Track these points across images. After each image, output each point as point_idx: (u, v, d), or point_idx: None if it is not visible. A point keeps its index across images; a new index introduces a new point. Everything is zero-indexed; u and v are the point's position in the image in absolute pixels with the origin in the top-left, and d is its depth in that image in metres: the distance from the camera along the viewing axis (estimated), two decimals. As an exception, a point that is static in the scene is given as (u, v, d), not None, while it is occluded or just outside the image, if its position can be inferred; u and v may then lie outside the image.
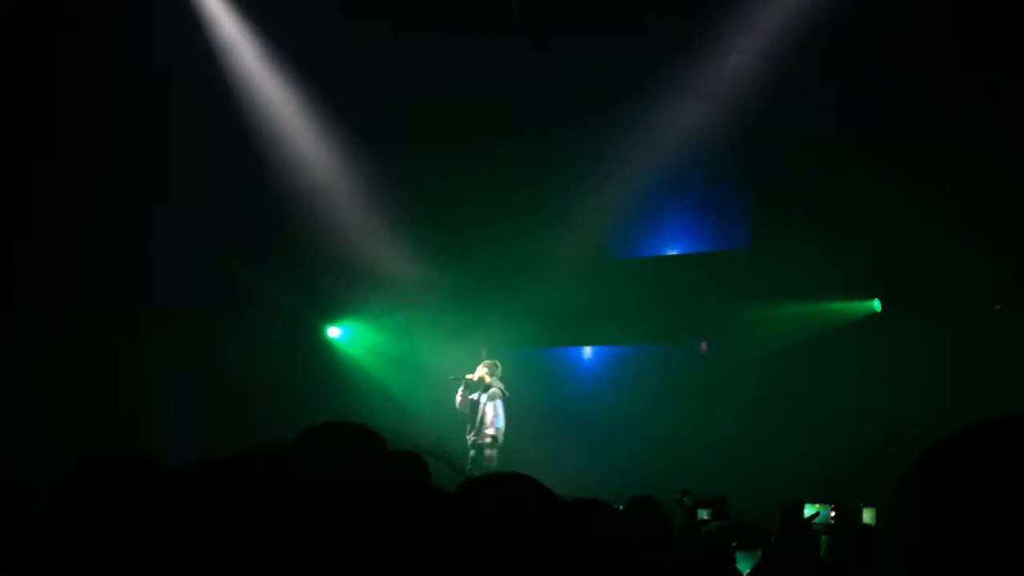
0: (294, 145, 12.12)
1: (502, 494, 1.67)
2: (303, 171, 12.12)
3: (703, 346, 12.01)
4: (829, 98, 10.78)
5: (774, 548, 4.07)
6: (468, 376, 10.72)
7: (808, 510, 5.35)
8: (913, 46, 10.16)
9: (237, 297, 11.57)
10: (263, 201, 11.71)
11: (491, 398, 10.51)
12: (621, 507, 4.33)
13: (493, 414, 10.43)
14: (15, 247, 11.05)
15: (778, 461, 10.48)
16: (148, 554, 1.18)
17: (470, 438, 10.55)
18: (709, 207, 11.89)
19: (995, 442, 1.20)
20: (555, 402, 12.30)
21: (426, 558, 1.32)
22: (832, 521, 5.41)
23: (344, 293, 12.19)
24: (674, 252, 12.30)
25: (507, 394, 10.62)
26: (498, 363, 10.76)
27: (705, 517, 5.04)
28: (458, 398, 10.76)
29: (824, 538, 5.42)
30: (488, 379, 10.62)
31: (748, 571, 3.81)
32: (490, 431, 10.39)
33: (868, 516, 6.47)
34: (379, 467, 2.47)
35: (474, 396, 10.70)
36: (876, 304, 11.23)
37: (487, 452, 10.31)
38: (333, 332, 12.84)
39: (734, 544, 4.01)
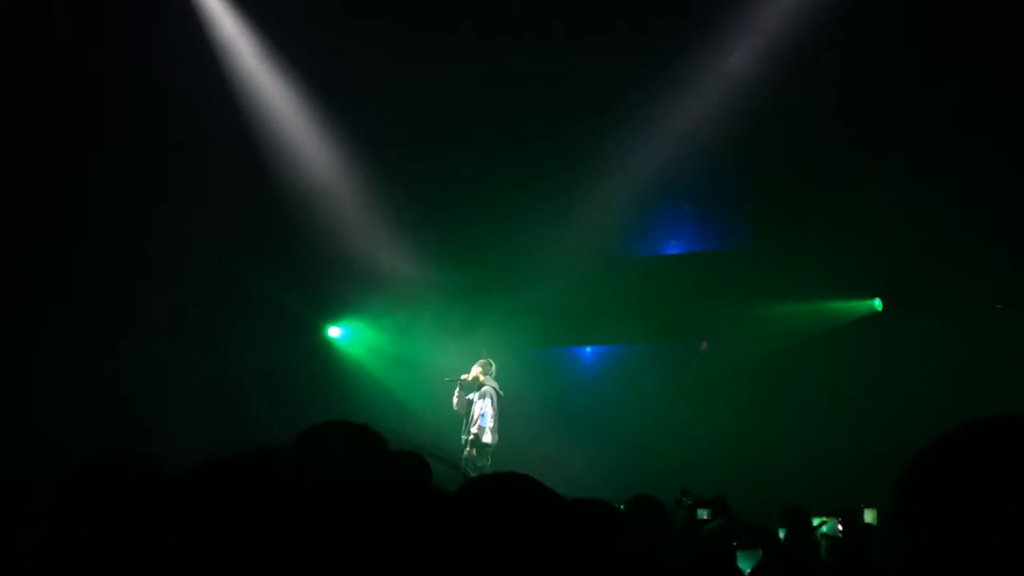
0: (294, 145, 12.11)
1: (503, 494, 1.67)
2: (303, 171, 12.11)
3: (703, 345, 12.00)
4: (829, 97, 10.78)
5: (779, 552, 4.07)
6: (463, 376, 10.73)
7: (815, 519, 5.34)
8: (913, 45, 10.16)
9: (237, 297, 11.56)
10: (263, 201, 11.70)
11: (481, 396, 10.52)
12: (622, 506, 4.34)
13: (479, 412, 10.43)
14: (15, 246, 11.04)
15: (779, 460, 10.48)
16: (148, 555, 1.18)
17: (464, 437, 10.57)
18: (710, 206, 11.88)
19: (993, 440, 1.20)
20: (555, 401, 12.30)
21: (427, 558, 1.32)
22: (840, 534, 5.38)
23: (345, 293, 12.19)
24: (675, 251, 12.30)
25: (501, 393, 10.61)
26: (492, 362, 10.75)
27: (705, 517, 5.04)
28: (455, 399, 10.78)
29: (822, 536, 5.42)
30: (482, 378, 10.63)
31: (749, 570, 3.81)
32: (473, 429, 10.39)
33: (869, 516, 6.47)
34: (380, 467, 2.47)
35: (471, 396, 10.71)
36: (877, 303, 11.23)
37: (466, 451, 10.32)
38: (334, 332, 12.83)
39: (735, 543, 4.01)
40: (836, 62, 10.65)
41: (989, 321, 10.51)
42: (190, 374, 11.37)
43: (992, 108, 10.07)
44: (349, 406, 10.77)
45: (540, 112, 11.93)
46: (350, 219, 12.15)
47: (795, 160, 11.08)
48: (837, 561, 4.94)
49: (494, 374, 10.71)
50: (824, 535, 5.45)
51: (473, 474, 9.94)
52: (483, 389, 10.51)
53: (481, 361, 10.75)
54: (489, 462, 10.45)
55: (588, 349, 12.66)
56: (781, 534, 5.00)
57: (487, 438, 10.42)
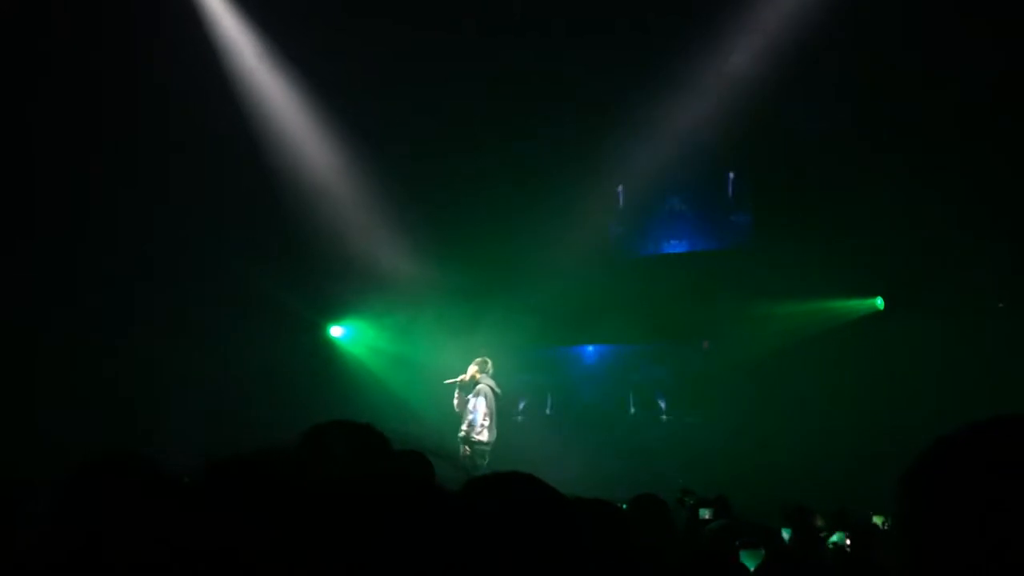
0: (295, 144, 12.10)
1: (506, 493, 1.66)
2: (304, 170, 12.11)
3: (705, 344, 12.00)
4: (830, 96, 10.77)
5: (782, 551, 4.06)
6: (461, 377, 10.75)
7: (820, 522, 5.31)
8: (913, 43, 10.16)
9: (238, 296, 11.54)
10: (264, 200, 11.69)
11: (475, 395, 10.55)
12: (624, 506, 4.33)
13: (471, 410, 10.46)
14: (15, 247, 11.03)
15: (779, 460, 10.48)
16: (147, 555, 1.17)
17: (460, 436, 10.62)
18: (711, 205, 11.87)
19: (994, 440, 1.20)
20: (557, 400, 12.30)
21: (429, 558, 1.31)
22: (848, 548, 5.35)
23: (346, 292, 12.18)
24: (676, 251, 12.29)
25: (498, 391, 10.61)
26: (488, 360, 10.75)
27: (707, 516, 5.03)
28: (455, 400, 10.80)
29: (826, 536, 5.41)
30: (478, 376, 10.64)
31: (752, 570, 3.80)
32: (463, 426, 10.41)
33: (876, 521, 6.46)
34: (383, 467, 2.46)
35: (469, 396, 10.75)
36: (879, 302, 11.22)
37: (462, 449, 10.34)
38: (336, 331, 12.83)
39: (737, 543, 4.00)
40: (836, 62, 10.65)
41: (991, 320, 10.50)
42: (191, 374, 11.37)
43: (992, 108, 10.06)
44: (351, 406, 10.77)
45: (541, 112, 11.93)
46: (351, 218, 12.14)
47: (796, 160, 11.08)
48: (843, 567, 4.93)
49: (491, 372, 10.71)
50: (833, 544, 5.43)
51: (471, 473, 9.95)
52: (477, 387, 10.52)
53: (477, 360, 10.76)
54: (487, 460, 10.44)
55: (589, 348, 12.65)
56: (784, 534, 4.99)
57: (482, 436, 10.41)
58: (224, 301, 11.57)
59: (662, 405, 11.88)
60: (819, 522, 5.44)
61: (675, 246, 12.31)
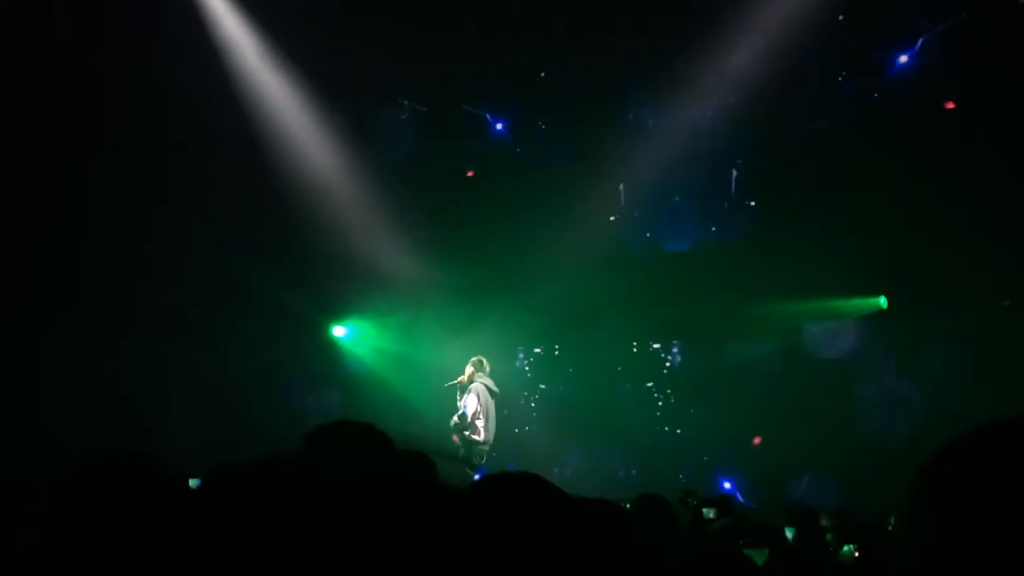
0: (297, 144, 12.09)
1: (511, 493, 1.65)
2: (306, 170, 12.10)
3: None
4: (832, 96, 10.77)
5: (787, 551, 4.04)
6: (460, 378, 10.77)
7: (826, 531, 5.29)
8: (914, 42, 10.15)
9: (240, 297, 11.54)
10: (266, 200, 11.68)
11: (468, 393, 10.59)
12: (628, 505, 4.32)
13: (462, 407, 10.51)
14: (15, 247, 11.02)
15: (783, 459, 10.48)
16: (148, 555, 1.16)
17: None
18: (713, 205, 11.85)
19: (1002, 443, 1.20)
20: (559, 400, 12.29)
21: (433, 558, 1.30)
22: (855, 559, 5.32)
23: (348, 292, 12.18)
24: (678, 249, 12.26)
25: (496, 389, 10.62)
26: (483, 359, 10.75)
27: (711, 516, 5.02)
28: (459, 402, 10.83)
29: (829, 537, 5.40)
30: (474, 376, 10.67)
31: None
32: (454, 417, 10.44)
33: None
34: (388, 468, 2.45)
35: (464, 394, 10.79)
36: (882, 301, 11.21)
37: (453, 438, 10.41)
38: (338, 331, 12.81)
39: (742, 542, 3.98)
40: (839, 60, 10.65)
41: (994, 319, 10.50)
42: (192, 374, 11.35)
43: (994, 107, 10.06)
44: (353, 406, 10.77)
45: (543, 111, 11.93)
46: (353, 218, 12.14)
47: (798, 159, 11.06)
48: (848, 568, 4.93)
49: (488, 371, 10.72)
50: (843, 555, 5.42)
51: (469, 471, 9.97)
52: (471, 386, 10.56)
53: (472, 360, 10.78)
54: (484, 460, 10.45)
55: (591, 348, 12.63)
56: (788, 533, 4.97)
57: (478, 435, 10.42)
58: (225, 301, 11.56)
59: (665, 405, 11.87)
60: (823, 522, 5.43)
61: (677, 245, 12.29)
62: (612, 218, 12.10)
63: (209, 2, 11.46)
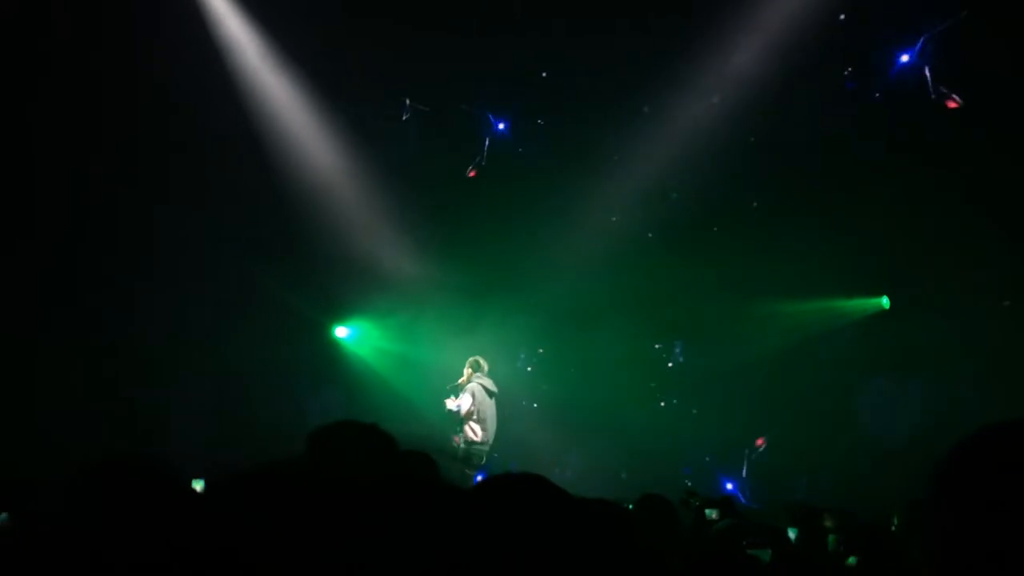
0: (299, 144, 12.09)
1: (515, 495, 1.65)
2: (308, 170, 12.09)
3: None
4: (835, 95, 10.76)
5: (789, 552, 4.04)
6: (460, 380, 10.80)
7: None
8: (915, 42, 10.15)
9: (241, 297, 11.53)
10: (268, 200, 11.68)
11: (463, 392, 10.64)
12: (630, 506, 4.31)
13: (454, 406, 10.51)
14: (16, 247, 11.02)
15: (784, 459, 10.47)
16: (154, 555, 1.16)
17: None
18: (714, 204, 11.84)
19: (1014, 442, 1.21)
20: (560, 400, 12.28)
21: (440, 559, 1.30)
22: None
23: (350, 292, 12.17)
24: (679, 249, 12.22)
25: (494, 389, 10.66)
26: (479, 360, 10.78)
27: (714, 517, 5.01)
28: (450, 402, 10.87)
29: (832, 537, 5.39)
30: (472, 377, 10.70)
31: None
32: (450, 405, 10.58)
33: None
34: (391, 468, 2.44)
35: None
36: (885, 301, 11.21)
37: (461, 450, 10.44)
38: (340, 332, 12.80)
39: (745, 543, 3.98)
40: (841, 59, 10.65)
41: (996, 318, 10.49)
42: (194, 375, 11.34)
43: (995, 106, 10.05)
44: (355, 406, 10.77)
45: (542, 111, 11.93)
46: (355, 218, 12.14)
47: (800, 159, 11.06)
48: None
49: (486, 371, 10.73)
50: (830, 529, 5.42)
51: (468, 472, 9.98)
52: (467, 386, 10.59)
53: (469, 360, 10.81)
54: (483, 460, 10.46)
55: (592, 348, 12.62)
56: (791, 534, 4.97)
57: (476, 436, 10.44)
58: (226, 301, 11.55)
59: (667, 405, 11.86)
60: (827, 522, 5.42)
61: (678, 245, 12.26)
62: (613, 218, 12.09)
63: (211, 2, 11.46)
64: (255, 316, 11.62)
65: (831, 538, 5.22)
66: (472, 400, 10.51)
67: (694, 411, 11.49)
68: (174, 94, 10.90)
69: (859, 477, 9.57)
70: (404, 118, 11.82)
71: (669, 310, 11.77)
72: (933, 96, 10.20)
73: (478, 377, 10.66)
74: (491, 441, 10.62)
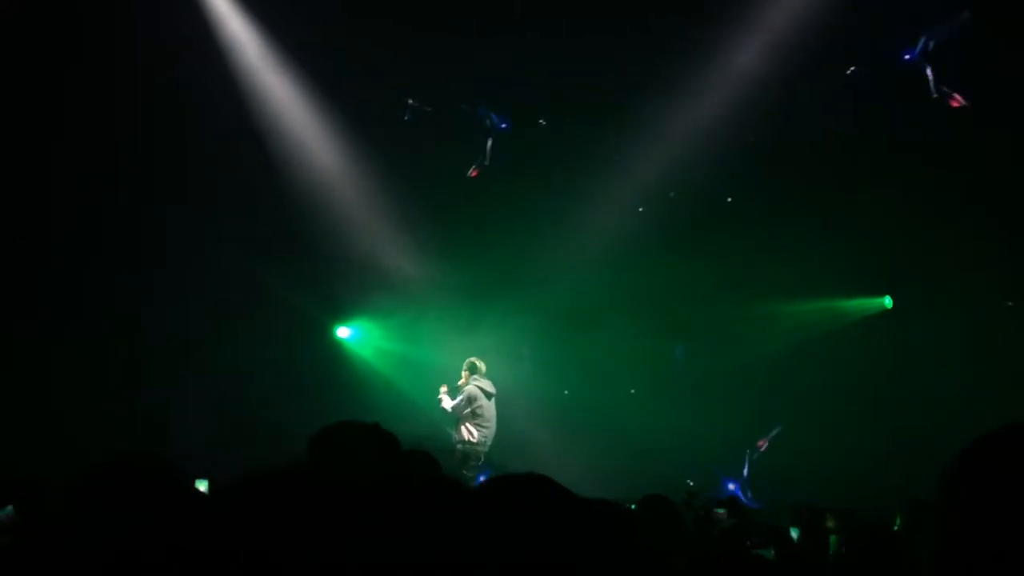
0: (300, 143, 12.08)
1: (519, 493, 1.65)
2: (310, 169, 12.09)
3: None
4: (836, 95, 10.76)
5: (792, 552, 4.04)
6: (460, 383, 10.83)
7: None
8: (919, 41, 10.16)
9: (245, 297, 11.54)
10: (270, 200, 11.68)
11: (460, 394, 10.68)
12: (633, 507, 4.31)
13: (449, 407, 10.62)
14: (19, 247, 11.03)
15: (785, 460, 10.46)
16: (164, 555, 1.16)
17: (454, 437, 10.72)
18: (716, 204, 11.83)
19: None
20: (563, 400, 12.28)
21: (444, 558, 1.29)
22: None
23: (353, 293, 12.17)
24: (681, 249, 12.22)
25: (491, 391, 10.67)
26: (476, 361, 10.79)
27: (721, 514, 5.00)
28: (444, 402, 10.91)
29: (833, 538, 5.39)
30: (469, 379, 10.73)
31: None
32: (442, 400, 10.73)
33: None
34: (395, 467, 2.45)
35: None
36: (887, 301, 11.20)
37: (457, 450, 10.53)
38: (343, 332, 12.80)
39: (748, 543, 3.97)
40: (844, 59, 10.64)
41: (999, 319, 10.49)
42: (196, 375, 11.33)
43: (998, 106, 10.05)
44: (358, 406, 10.75)
45: (543, 111, 11.93)
46: (356, 218, 12.13)
47: (802, 159, 11.05)
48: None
49: (483, 372, 10.74)
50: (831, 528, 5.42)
51: (466, 473, 9.99)
52: (465, 388, 10.62)
53: (466, 362, 10.82)
54: (481, 461, 10.48)
55: (594, 348, 12.61)
56: (793, 533, 4.96)
57: (467, 436, 10.46)
58: (228, 301, 11.56)
59: (669, 406, 11.84)
60: (829, 523, 5.41)
61: (680, 245, 12.25)
62: (614, 220, 12.09)
63: (212, 2, 11.46)
64: (257, 316, 11.62)
65: (833, 539, 5.22)
66: (469, 403, 10.55)
67: (695, 411, 11.45)
68: (175, 94, 10.91)
69: (859, 477, 9.56)
70: (406, 118, 11.81)
71: (670, 310, 11.75)
72: (935, 95, 10.19)
73: (476, 379, 10.67)
74: (489, 442, 10.63)
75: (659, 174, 11.77)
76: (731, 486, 11.10)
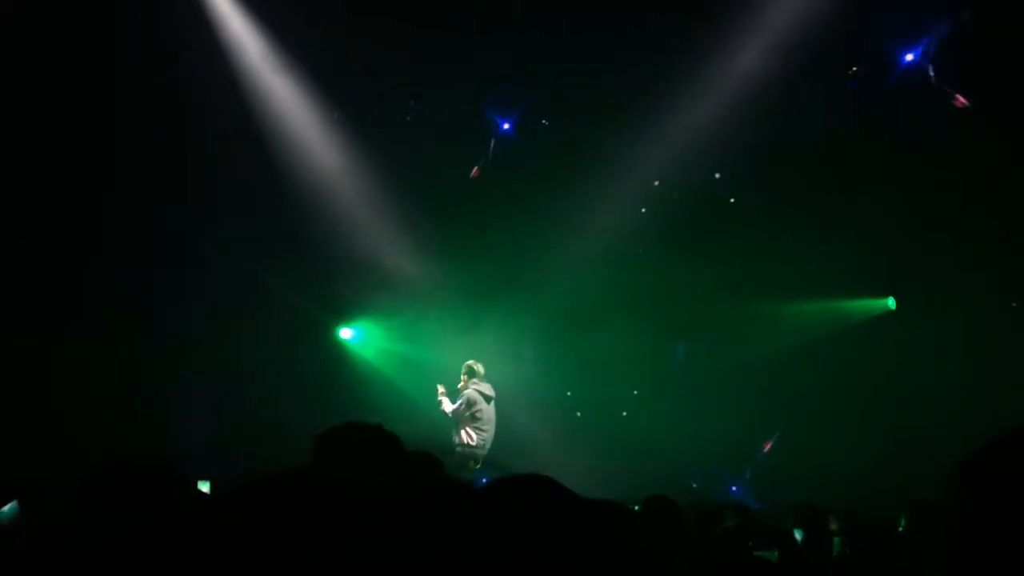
0: (302, 144, 12.08)
1: (524, 494, 1.65)
2: (311, 170, 12.09)
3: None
4: (836, 95, 10.76)
5: (795, 552, 4.03)
6: (459, 386, 10.83)
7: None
8: (920, 41, 10.15)
9: (247, 298, 11.53)
10: (272, 200, 11.67)
11: (459, 398, 10.69)
12: (636, 507, 4.31)
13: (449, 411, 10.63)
14: (20, 247, 11.03)
15: (787, 460, 10.46)
16: (166, 555, 1.15)
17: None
18: (717, 204, 11.83)
19: None
20: (564, 400, 12.28)
21: (448, 558, 1.29)
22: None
23: (355, 293, 12.17)
24: (682, 249, 12.22)
25: (490, 394, 10.67)
26: (473, 365, 10.78)
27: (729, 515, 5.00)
28: (445, 406, 10.92)
29: (837, 540, 5.38)
30: (467, 383, 10.74)
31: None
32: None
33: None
34: (398, 468, 2.44)
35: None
36: (891, 302, 11.19)
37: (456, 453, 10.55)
38: (345, 333, 12.79)
39: (751, 544, 3.97)
40: (845, 59, 10.64)
41: (1003, 320, 10.48)
42: (198, 375, 11.33)
43: (1000, 105, 10.04)
44: (361, 407, 10.75)
45: (544, 112, 11.93)
46: (358, 218, 12.13)
47: (804, 159, 11.04)
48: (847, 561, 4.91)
49: (482, 375, 10.73)
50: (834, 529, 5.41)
51: (464, 475, 9.99)
52: (464, 392, 10.63)
53: (464, 366, 10.82)
54: (479, 464, 10.48)
55: (595, 348, 12.61)
56: (797, 535, 4.95)
57: (466, 439, 10.46)
58: (230, 302, 11.55)
59: (671, 406, 11.84)
60: (832, 524, 5.40)
61: (681, 245, 12.25)
62: (614, 220, 12.08)
63: (214, 2, 11.45)
64: (257, 317, 11.61)
65: (836, 540, 5.21)
66: (466, 406, 10.56)
67: (696, 412, 11.45)
68: (176, 94, 10.90)
69: (860, 477, 9.56)
70: (408, 118, 11.81)
71: (670, 310, 11.75)
72: (936, 95, 10.19)
73: (475, 383, 10.68)
74: (488, 445, 10.64)
75: (660, 174, 11.76)
76: (733, 487, 11.11)
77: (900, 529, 5.02)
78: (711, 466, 11.28)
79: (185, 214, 11.29)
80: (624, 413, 12.02)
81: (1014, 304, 10.60)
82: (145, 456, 2.12)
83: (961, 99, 10.21)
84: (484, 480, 9.23)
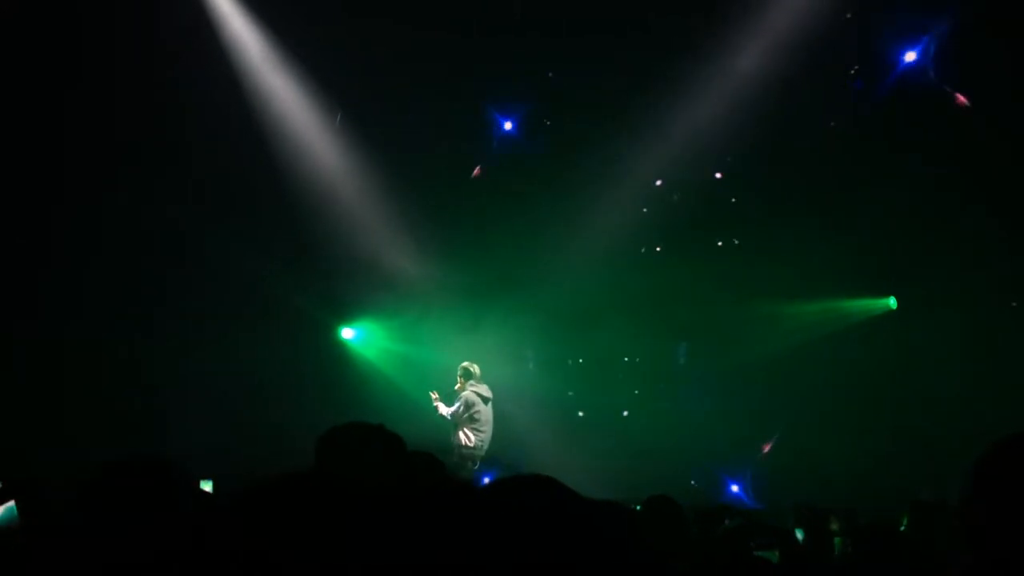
0: (305, 145, 12.08)
1: (527, 494, 1.64)
2: (312, 170, 12.09)
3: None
4: (836, 95, 10.76)
5: (796, 552, 4.02)
6: (456, 387, 10.84)
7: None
8: (921, 40, 10.15)
9: (248, 298, 11.53)
10: (273, 201, 11.67)
11: (457, 399, 10.69)
12: (638, 507, 4.31)
13: (448, 414, 10.65)
14: (22, 247, 11.03)
15: (788, 460, 10.46)
16: (171, 556, 1.15)
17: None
18: (717, 205, 11.83)
19: None
20: (565, 400, 12.28)
21: (450, 558, 1.29)
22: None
23: (357, 293, 12.17)
24: (683, 249, 12.22)
25: (486, 395, 10.65)
26: (468, 367, 10.78)
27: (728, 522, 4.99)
28: (443, 410, 10.92)
29: (838, 540, 5.37)
30: (464, 385, 10.74)
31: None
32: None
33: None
34: (400, 468, 2.44)
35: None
36: (892, 301, 11.20)
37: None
38: (347, 333, 12.79)
39: (752, 544, 3.96)
40: (846, 60, 10.64)
41: (1003, 320, 10.48)
42: (200, 376, 11.32)
43: (1001, 105, 10.05)
44: (362, 407, 10.75)
45: (545, 112, 11.93)
46: (359, 219, 12.12)
47: (805, 159, 11.05)
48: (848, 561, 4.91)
49: (478, 376, 10.73)
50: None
51: (464, 476, 9.98)
52: (461, 394, 10.64)
53: (460, 368, 10.83)
54: (477, 466, 10.49)
55: (596, 348, 12.61)
56: (798, 535, 4.95)
57: (464, 441, 10.47)
58: (232, 302, 11.55)
59: (671, 406, 11.85)
60: (833, 525, 5.40)
61: (682, 245, 12.25)
62: (615, 220, 12.08)
63: (215, 2, 11.45)
64: (260, 317, 11.61)
65: (837, 540, 5.20)
66: (464, 407, 10.56)
67: (697, 412, 11.45)
68: (177, 94, 10.90)
69: (860, 477, 9.56)
70: (408, 118, 11.81)
71: (670, 310, 11.75)
72: (937, 91, 10.19)
73: (472, 385, 10.68)
74: (486, 446, 10.65)
75: (660, 174, 11.76)
76: (734, 487, 11.11)
77: (901, 529, 5.02)
78: (712, 466, 11.28)
79: (185, 214, 11.28)
80: (625, 413, 12.02)
81: (1014, 304, 10.60)
82: (145, 456, 2.12)
83: (961, 99, 10.21)
84: (485, 479, 9.24)
